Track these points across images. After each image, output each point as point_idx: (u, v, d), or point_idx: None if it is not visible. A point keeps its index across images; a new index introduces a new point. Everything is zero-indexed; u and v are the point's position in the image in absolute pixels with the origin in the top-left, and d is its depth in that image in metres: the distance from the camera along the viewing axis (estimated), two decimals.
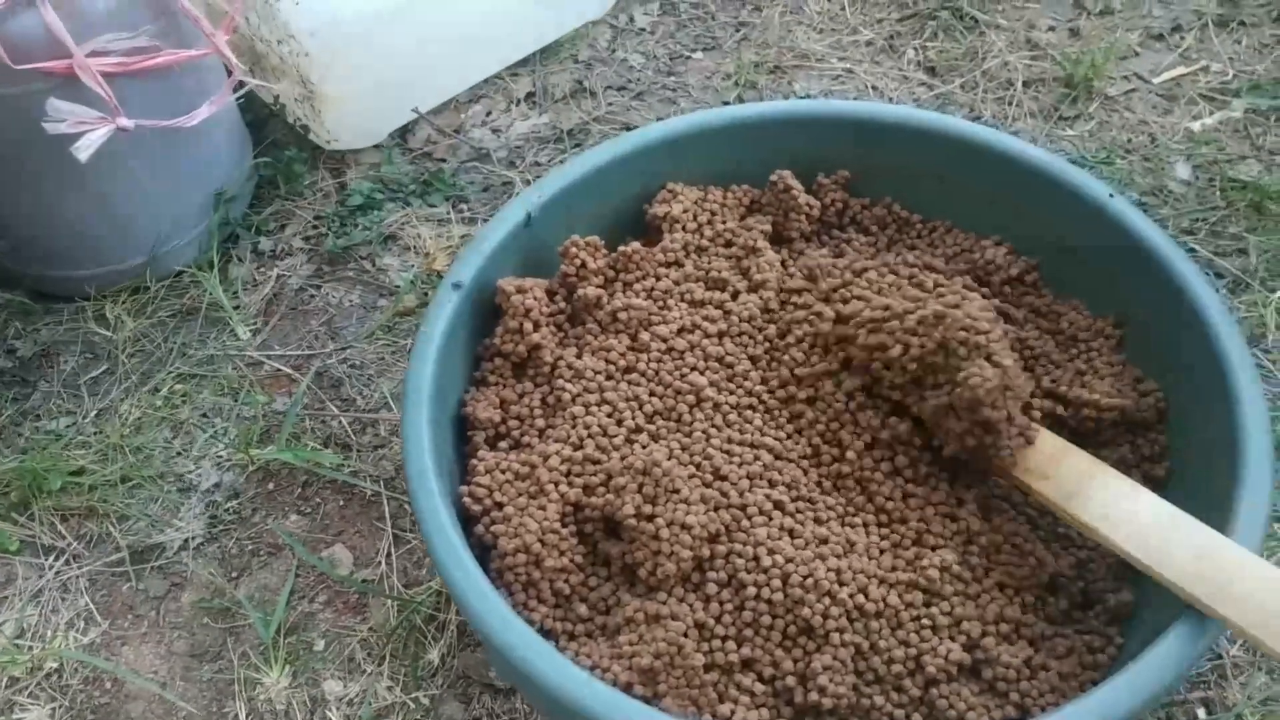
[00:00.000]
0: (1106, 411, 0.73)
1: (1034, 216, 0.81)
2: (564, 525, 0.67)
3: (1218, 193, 1.06)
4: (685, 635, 0.62)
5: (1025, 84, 1.18)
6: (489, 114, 1.16)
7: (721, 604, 0.64)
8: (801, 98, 1.16)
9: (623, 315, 0.74)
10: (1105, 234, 0.77)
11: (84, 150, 0.83)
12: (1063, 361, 0.77)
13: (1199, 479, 0.69)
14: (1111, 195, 0.77)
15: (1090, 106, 1.16)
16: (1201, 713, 0.74)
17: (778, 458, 0.71)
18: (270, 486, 0.88)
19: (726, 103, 1.17)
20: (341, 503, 0.87)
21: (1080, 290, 0.80)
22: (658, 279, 0.79)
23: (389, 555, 0.83)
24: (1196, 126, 1.13)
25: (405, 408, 0.67)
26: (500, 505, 0.67)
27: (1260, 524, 0.62)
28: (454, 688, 0.77)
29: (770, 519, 0.67)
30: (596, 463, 0.69)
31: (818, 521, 0.68)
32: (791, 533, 0.67)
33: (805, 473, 0.71)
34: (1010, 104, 1.16)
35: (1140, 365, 0.76)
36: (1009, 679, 0.63)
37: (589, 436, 0.70)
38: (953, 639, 0.64)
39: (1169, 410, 0.74)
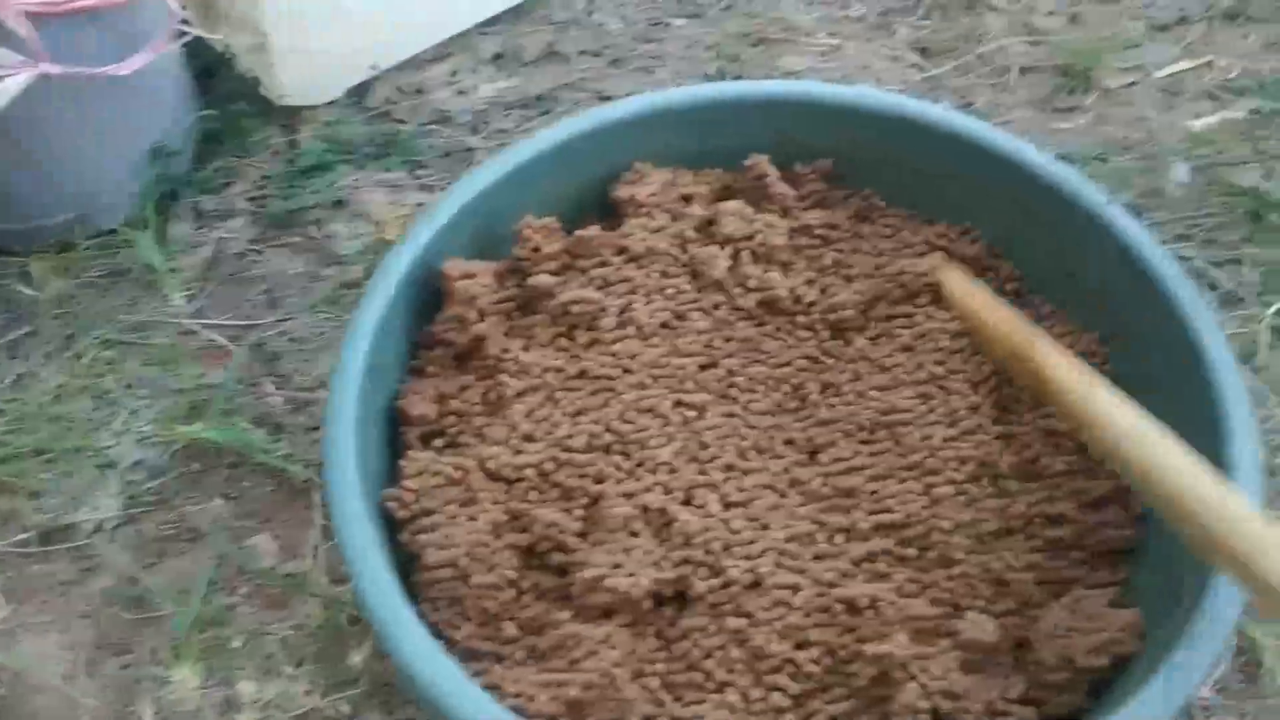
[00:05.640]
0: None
1: (1026, 220, 0.76)
2: (497, 537, 0.62)
3: (1215, 198, 1.01)
4: (619, 665, 0.57)
5: (1021, 71, 1.12)
6: (454, 74, 1.10)
7: (663, 635, 0.60)
8: (786, 76, 1.10)
9: (575, 309, 0.69)
10: (1096, 243, 0.72)
11: (1, 97, 0.77)
12: None
13: None
14: (1108, 202, 0.72)
15: (1088, 99, 1.10)
16: None
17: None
18: (195, 467, 0.83)
19: (708, 75, 1.10)
20: (270, 488, 0.82)
21: (1070, 303, 0.75)
22: (618, 267, 0.73)
23: (316, 548, 0.78)
24: (1197, 125, 1.08)
25: (330, 401, 0.61)
26: (429, 512, 0.62)
27: None
28: (376, 695, 0.72)
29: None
30: (538, 468, 0.64)
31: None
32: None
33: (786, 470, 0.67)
34: (1004, 91, 1.10)
35: (1125, 388, 0.71)
36: None
37: (530, 440, 0.65)
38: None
39: None
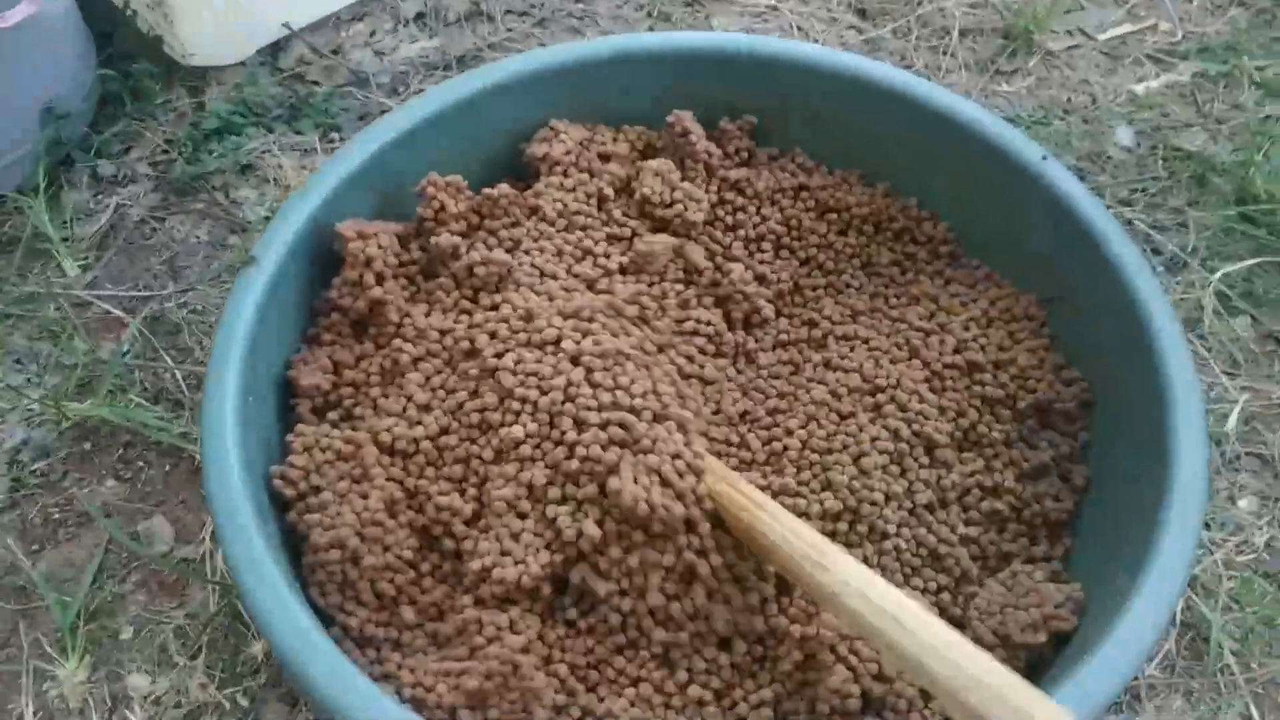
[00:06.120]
0: (1028, 378, 0.66)
1: (957, 176, 0.72)
2: (392, 515, 0.57)
3: (1159, 162, 0.98)
4: (524, 652, 0.53)
5: (962, 33, 1.09)
6: (373, 34, 1.05)
7: (573, 622, 0.55)
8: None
9: (480, 270, 0.64)
10: (1035, 201, 0.68)
11: None
12: (977, 335, 0.69)
13: (1125, 485, 0.61)
14: (1045, 157, 0.69)
15: (1030, 61, 1.07)
16: None
17: None
18: (86, 446, 0.77)
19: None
20: (167, 468, 0.76)
21: (1012, 265, 0.72)
22: (529, 229, 0.68)
23: (214, 531, 0.73)
24: (1140, 89, 1.05)
25: (210, 371, 0.57)
26: (317, 490, 0.57)
27: (1190, 539, 0.55)
28: (278, 686, 0.67)
29: None
30: (434, 442, 0.60)
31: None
32: None
33: None
34: (944, 54, 1.07)
35: (1067, 352, 0.68)
36: None
37: (426, 410, 0.60)
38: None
39: (1096, 406, 0.66)
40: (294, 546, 0.58)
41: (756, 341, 0.70)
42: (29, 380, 0.80)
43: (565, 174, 0.71)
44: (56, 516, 0.74)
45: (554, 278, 0.66)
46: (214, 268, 0.87)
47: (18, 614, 0.70)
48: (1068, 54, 1.08)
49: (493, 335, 0.62)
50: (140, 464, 0.77)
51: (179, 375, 0.80)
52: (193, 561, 0.72)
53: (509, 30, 1.06)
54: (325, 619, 0.55)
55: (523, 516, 0.56)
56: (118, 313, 0.84)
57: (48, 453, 0.77)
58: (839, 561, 0.49)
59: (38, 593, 0.70)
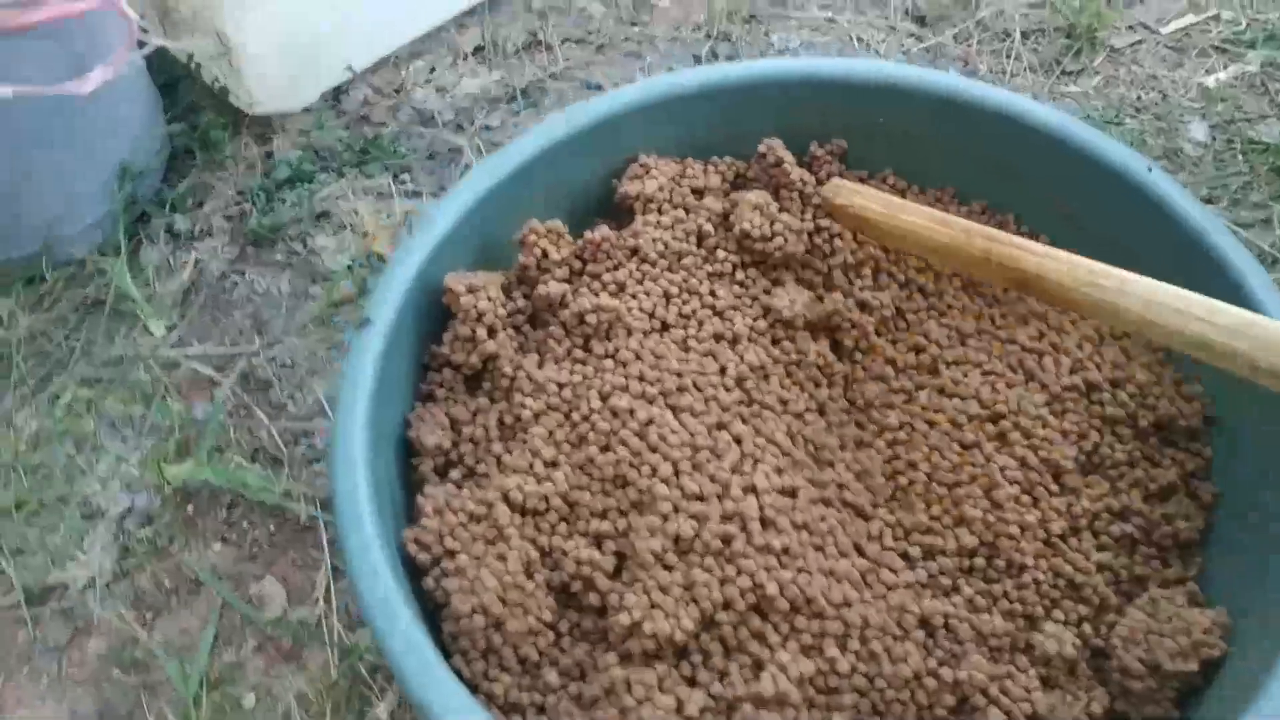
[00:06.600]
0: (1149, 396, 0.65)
1: (1053, 191, 0.71)
2: (530, 576, 0.56)
3: (1239, 156, 0.96)
4: (678, 713, 0.52)
5: (1024, 35, 1.07)
6: (433, 71, 1.04)
7: (721, 674, 0.54)
8: (781, 53, 1.05)
9: (590, 318, 0.64)
10: (1142, 214, 0.67)
11: None
12: (1092, 354, 0.68)
13: (1254, 498, 0.60)
14: (1150, 169, 0.68)
15: (1095, 60, 1.05)
16: None
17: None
18: (190, 510, 0.77)
19: (697, 57, 1.05)
20: (272, 528, 0.76)
21: None
22: (631, 271, 0.68)
23: (328, 590, 0.72)
24: (1210, 82, 1.04)
25: (337, 435, 0.56)
26: (452, 554, 0.56)
27: None
28: None
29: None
30: (565, 498, 0.59)
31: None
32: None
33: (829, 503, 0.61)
34: (1008, 57, 1.06)
35: (1181, 367, 0.67)
36: None
37: (553, 465, 0.60)
38: None
39: (1215, 419, 0.65)
40: (426, 614, 0.57)
41: (865, 370, 0.69)
42: (124, 443, 0.80)
43: (660, 211, 0.70)
44: (168, 584, 0.74)
45: (664, 322, 0.65)
46: (299, 319, 0.86)
47: (139, 686, 0.70)
48: (1132, 50, 1.07)
49: (618, 388, 0.61)
50: (245, 525, 0.76)
51: (274, 432, 0.80)
52: (308, 624, 0.71)
53: (568, 60, 1.05)
54: (469, 688, 0.54)
55: (669, 569, 0.55)
56: (207, 371, 0.83)
57: (151, 518, 0.76)
58: (1122, 275, 0.56)
59: (158, 663, 0.70)
